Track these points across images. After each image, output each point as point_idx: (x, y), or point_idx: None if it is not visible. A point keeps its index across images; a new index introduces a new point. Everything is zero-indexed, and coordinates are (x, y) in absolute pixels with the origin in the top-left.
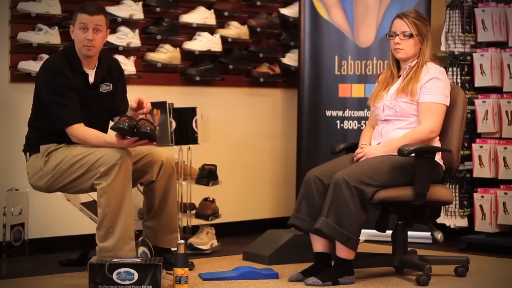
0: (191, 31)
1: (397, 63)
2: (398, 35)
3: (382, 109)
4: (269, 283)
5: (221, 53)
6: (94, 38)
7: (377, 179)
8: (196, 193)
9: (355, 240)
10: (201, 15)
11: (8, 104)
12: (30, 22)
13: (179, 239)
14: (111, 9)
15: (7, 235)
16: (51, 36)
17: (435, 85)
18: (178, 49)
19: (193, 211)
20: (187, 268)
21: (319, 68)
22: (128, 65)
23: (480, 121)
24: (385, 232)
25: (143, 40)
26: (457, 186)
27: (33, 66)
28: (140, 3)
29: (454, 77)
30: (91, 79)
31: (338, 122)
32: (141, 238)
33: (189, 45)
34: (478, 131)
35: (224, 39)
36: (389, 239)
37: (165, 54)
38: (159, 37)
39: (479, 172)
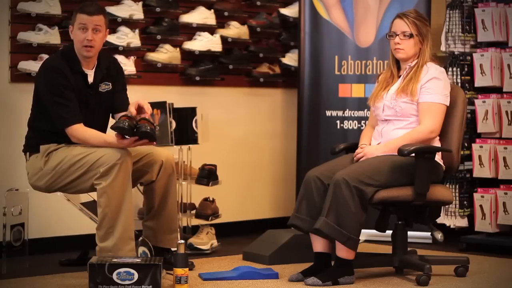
0: (191, 31)
1: (397, 63)
2: (398, 35)
3: (382, 109)
4: (269, 283)
5: (221, 53)
6: (93, 38)
7: (377, 179)
8: (196, 193)
9: (355, 240)
10: (201, 15)
11: (8, 104)
12: (30, 22)
13: (179, 239)
14: (111, 9)
15: (7, 235)
16: (51, 36)
17: (435, 85)
18: (178, 49)
19: (193, 211)
20: (187, 268)
21: (319, 68)
22: (128, 65)
23: (480, 121)
24: (385, 232)
25: (143, 40)
26: (457, 186)
27: (33, 66)
28: (140, 3)
29: (454, 77)
30: (90, 79)
31: (338, 122)
32: (141, 238)
33: (189, 45)
34: (478, 131)
35: (224, 39)
36: (389, 239)
37: (165, 54)
38: (159, 37)
39: (479, 172)
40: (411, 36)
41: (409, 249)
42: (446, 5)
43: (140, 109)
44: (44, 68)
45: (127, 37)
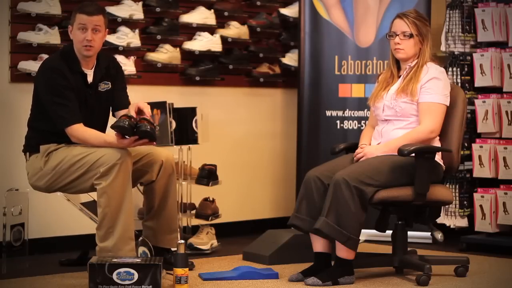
0: (191, 31)
1: (397, 63)
2: (398, 35)
3: (382, 109)
4: (269, 283)
5: (221, 53)
6: (93, 38)
7: (377, 179)
8: (196, 193)
9: (355, 240)
10: (201, 15)
11: (8, 104)
12: (30, 22)
13: (179, 239)
14: (111, 9)
15: (7, 235)
16: (51, 36)
17: (435, 85)
18: (178, 49)
19: (193, 211)
20: (187, 268)
21: (319, 68)
22: (128, 65)
23: (480, 121)
24: (385, 232)
25: (143, 40)
26: (457, 186)
27: (33, 66)
28: (140, 3)
29: (454, 77)
30: (90, 78)
31: (338, 122)
32: (141, 238)
33: (189, 45)
34: (478, 131)
35: (224, 39)
36: (389, 239)
37: (165, 54)
38: (159, 37)
39: (479, 172)
40: (411, 36)
41: (409, 249)
42: (446, 5)
43: (140, 112)
44: (43, 69)
45: (127, 37)
